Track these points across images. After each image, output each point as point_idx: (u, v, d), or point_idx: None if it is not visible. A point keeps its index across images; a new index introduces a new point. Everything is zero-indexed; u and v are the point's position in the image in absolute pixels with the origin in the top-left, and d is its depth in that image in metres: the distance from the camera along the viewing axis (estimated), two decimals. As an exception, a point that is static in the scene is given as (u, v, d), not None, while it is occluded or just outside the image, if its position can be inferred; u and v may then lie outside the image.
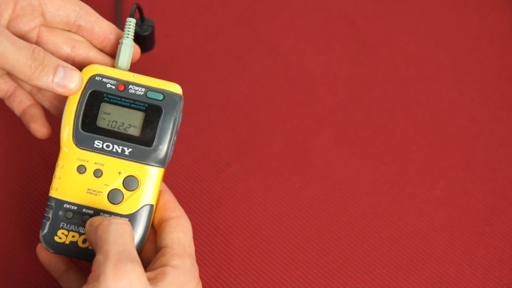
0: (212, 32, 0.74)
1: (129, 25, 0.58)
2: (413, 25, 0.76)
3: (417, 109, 0.72)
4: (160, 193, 0.57)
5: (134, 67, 0.59)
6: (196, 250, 0.57)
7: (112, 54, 0.59)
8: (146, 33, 0.61)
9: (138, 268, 0.48)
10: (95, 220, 0.53)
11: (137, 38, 0.60)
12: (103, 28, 0.58)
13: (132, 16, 0.58)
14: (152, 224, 0.57)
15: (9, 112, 0.68)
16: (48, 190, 0.56)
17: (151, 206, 0.56)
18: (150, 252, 0.56)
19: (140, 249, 0.56)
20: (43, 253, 0.56)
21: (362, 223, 0.66)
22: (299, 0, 0.76)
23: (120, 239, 0.50)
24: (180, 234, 0.55)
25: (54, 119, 0.60)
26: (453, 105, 0.72)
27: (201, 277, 0.55)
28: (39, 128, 0.58)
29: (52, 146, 0.67)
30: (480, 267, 0.65)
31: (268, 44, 0.74)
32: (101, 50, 0.59)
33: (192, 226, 0.57)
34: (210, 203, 0.66)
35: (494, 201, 0.68)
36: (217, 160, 0.68)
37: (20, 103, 0.59)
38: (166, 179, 0.63)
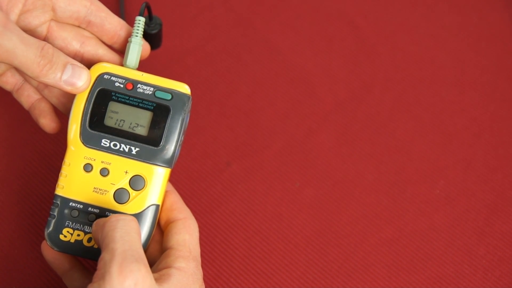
0: (212, 32, 0.74)
1: (138, 23, 0.58)
2: (413, 25, 0.76)
3: (417, 109, 0.72)
4: (166, 194, 0.57)
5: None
6: (197, 250, 0.57)
7: (122, 50, 0.59)
8: (154, 31, 0.61)
9: (143, 268, 0.48)
10: (102, 219, 0.52)
11: (145, 36, 0.60)
12: (113, 24, 0.58)
13: (141, 14, 0.58)
14: (159, 225, 0.57)
15: (9, 112, 0.68)
16: (48, 190, 0.55)
17: (157, 206, 0.55)
18: (155, 253, 0.56)
19: (145, 249, 0.55)
20: (48, 251, 0.56)
21: (362, 223, 0.66)
22: (299, 0, 0.76)
23: (127, 237, 0.49)
24: (186, 236, 0.54)
25: (61, 114, 0.60)
26: (453, 105, 0.72)
27: (201, 277, 0.55)
28: (48, 123, 0.58)
29: (52, 146, 0.67)
30: (480, 267, 0.65)
31: (268, 44, 0.74)
32: (110, 46, 0.59)
33: (192, 226, 0.57)
34: (210, 203, 0.66)
35: (494, 201, 0.68)
36: (217, 160, 0.68)
37: (29, 97, 0.59)
38: (166, 179, 0.63)
